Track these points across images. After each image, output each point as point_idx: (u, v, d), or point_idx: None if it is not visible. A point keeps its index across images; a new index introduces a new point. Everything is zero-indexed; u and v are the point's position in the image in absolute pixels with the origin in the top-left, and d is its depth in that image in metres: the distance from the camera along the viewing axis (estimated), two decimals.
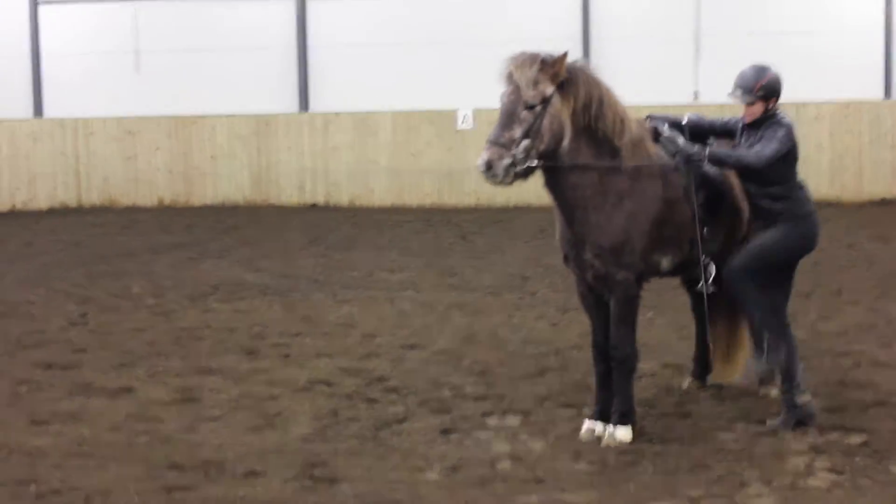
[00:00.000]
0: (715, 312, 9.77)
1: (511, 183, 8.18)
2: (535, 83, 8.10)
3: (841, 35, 26.52)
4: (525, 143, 8.06)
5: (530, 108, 8.08)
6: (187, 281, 16.80)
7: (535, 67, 8.12)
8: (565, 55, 8.21)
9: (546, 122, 8.14)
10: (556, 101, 8.18)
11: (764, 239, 8.76)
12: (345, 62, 29.19)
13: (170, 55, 30.06)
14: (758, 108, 8.75)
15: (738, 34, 26.17)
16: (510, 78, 8.18)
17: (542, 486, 7.50)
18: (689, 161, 8.59)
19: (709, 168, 8.82)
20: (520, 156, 8.04)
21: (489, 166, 7.96)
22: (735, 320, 9.82)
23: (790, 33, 26.39)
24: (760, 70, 8.79)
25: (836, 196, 26.15)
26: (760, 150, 8.61)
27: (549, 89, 8.15)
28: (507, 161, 7.98)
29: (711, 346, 9.85)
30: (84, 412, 9.49)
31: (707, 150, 8.59)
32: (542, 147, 8.16)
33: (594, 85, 8.37)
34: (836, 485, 7.44)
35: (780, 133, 8.62)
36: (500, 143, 8.01)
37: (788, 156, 8.73)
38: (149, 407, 9.65)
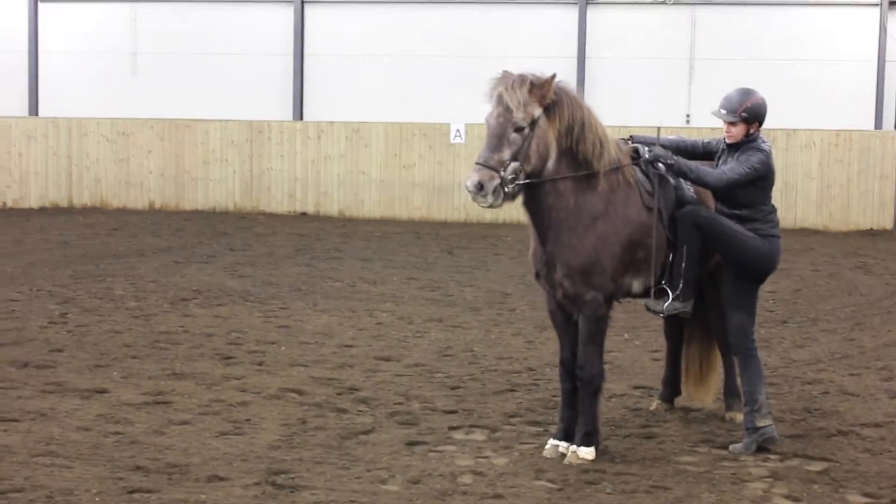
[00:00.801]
0: (689, 335, 9.89)
1: (500, 205, 8.23)
2: (525, 105, 8.12)
3: (834, 65, 26.66)
4: (514, 164, 8.12)
5: (519, 129, 8.13)
6: (170, 285, 16.87)
7: (525, 89, 8.14)
8: (553, 77, 8.25)
9: (534, 144, 8.19)
10: (543, 123, 8.23)
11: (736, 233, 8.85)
12: (340, 72, 29.30)
13: (167, 58, 30.17)
14: (739, 131, 8.84)
15: (733, 60, 26.34)
16: (500, 99, 8.18)
17: (501, 502, 7.54)
18: (655, 162, 8.69)
19: (685, 190, 8.93)
20: (509, 177, 8.10)
21: (480, 187, 8.00)
22: (709, 343, 9.90)
23: (784, 61, 26.54)
24: (746, 93, 8.88)
25: (823, 224, 26.31)
26: (726, 171, 8.71)
27: (538, 111, 8.19)
28: (496, 182, 8.03)
29: (684, 368, 9.93)
30: (55, 411, 9.54)
31: (673, 158, 8.68)
32: (529, 169, 8.23)
33: (577, 107, 8.42)
34: None
35: (754, 159, 8.70)
36: (490, 166, 8.05)
37: (761, 181, 8.80)
38: (120, 408, 9.70)
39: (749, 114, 8.80)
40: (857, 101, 26.61)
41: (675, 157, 8.70)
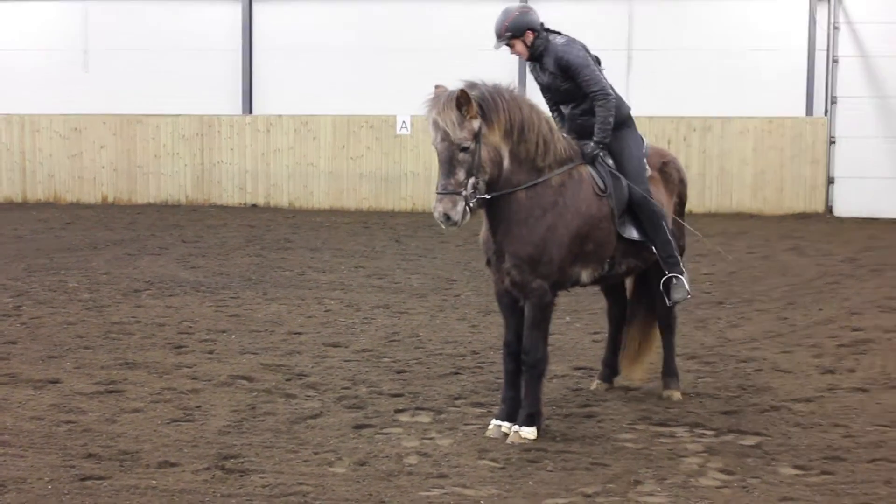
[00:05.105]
0: (631, 314, 10.17)
1: (468, 219, 8.43)
2: (461, 124, 8.23)
3: (767, 53, 27.16)
4: (471, 181, 8.29)
5: (465, 149, 8.25)
6: (123, 277, 16.98)
7: (455, 106, 8.23)
8: (465, 93, 8.25)
9: (484, 153, 8.36)
10: (485, 130, 8.37)
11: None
12: (289, 66, 29.45)
13: (118, 55, 30.20)
14: (520, 48, 9.19)
15: (669, 51, 26.61)
16: (436, 125, 8.28)
17: (445, 481, 7.72)
18: (595, 154, 9.11)
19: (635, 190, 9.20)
20: (470, 192, 8.29)
21: (447, 217, 8.20)
22: (650, 324, 10.17)
23: (719, 51, 26.93)
24: (503, 14, 9.16)
25: (758, 209, 26.97)
26: (593, 88, 9.13)
27: (476, 123, 8.30)
28: (461, 206, 8.23)
29: (624, 345, 10.18)
30: (8, 402, 9.65)
31: (595, 140, 9.09)
32: (486, 177, 8.42)
33: (515, 108, 8.57)
34: (725, 484, 7.71)
35: (570, 55, 9.16)
36: (449, 192, 8.22)
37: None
38: (72, 398, 9.82)
39: (513, 30, 9.07)
40: (789, 89, 27.14)
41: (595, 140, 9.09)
